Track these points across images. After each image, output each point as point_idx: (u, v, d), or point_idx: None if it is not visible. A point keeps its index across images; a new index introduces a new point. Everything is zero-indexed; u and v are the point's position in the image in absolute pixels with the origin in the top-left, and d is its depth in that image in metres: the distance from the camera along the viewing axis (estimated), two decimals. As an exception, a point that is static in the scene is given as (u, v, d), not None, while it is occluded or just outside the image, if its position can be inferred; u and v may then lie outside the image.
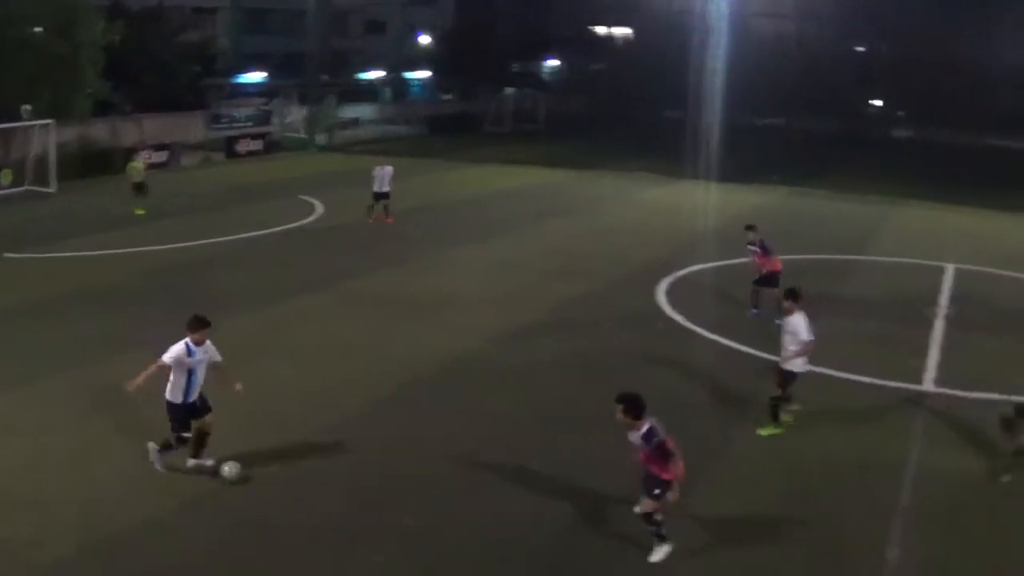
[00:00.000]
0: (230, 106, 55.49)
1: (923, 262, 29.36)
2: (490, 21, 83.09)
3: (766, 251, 22.09)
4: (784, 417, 15.67)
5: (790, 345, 15.32)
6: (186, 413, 12.96)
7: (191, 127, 51.40)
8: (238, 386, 13.32)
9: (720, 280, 25.78)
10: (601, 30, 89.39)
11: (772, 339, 16.88)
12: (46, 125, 37.77)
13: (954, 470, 14.52)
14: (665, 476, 11.24)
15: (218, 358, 13.19)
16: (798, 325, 15.24)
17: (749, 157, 49.01)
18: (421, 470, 13.80)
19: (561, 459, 14.30)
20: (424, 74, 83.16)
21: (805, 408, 15.84)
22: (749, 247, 22.48)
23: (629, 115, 70.79)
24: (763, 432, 15.52)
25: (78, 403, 15.71)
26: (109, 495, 12.71)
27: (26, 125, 38.38)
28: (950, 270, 28.23)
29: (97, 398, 15.79)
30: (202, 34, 63.36)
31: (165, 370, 12.79)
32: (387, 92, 78.88)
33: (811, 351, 15.39)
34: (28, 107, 39.09)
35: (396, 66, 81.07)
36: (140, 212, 32.13)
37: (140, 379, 12.86)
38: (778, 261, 22.09)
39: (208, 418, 13.10)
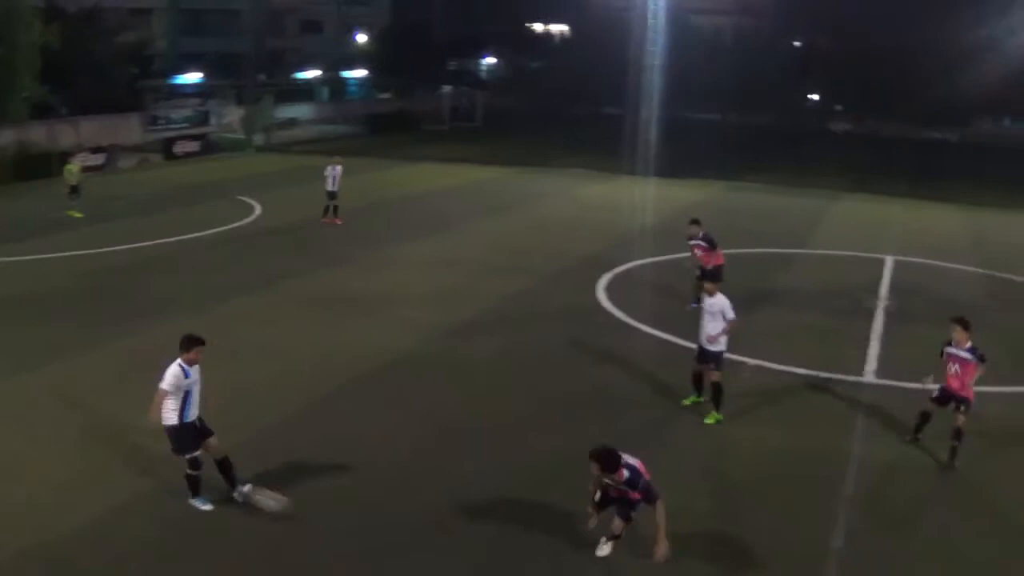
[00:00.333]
0: (167, 107, 55.16)
1: (863, 254, 29.86)
2: (427, 19, 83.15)
3: (711, 245, 22.23)
4: (684, 401, 16.32)
5: (713, 324, 15.62)
6: (191, 432, 12.41)
7: (128, 129, 51.12)
8: None
9: (659, 275, 25.97)
10: (538, 27, 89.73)
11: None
12: (-19, 129, 37.27)
13: (895, 460, 14.75)
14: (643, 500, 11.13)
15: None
16: (725, 304, 15.56)
17: (686, 152, 49.41)
18: (359, 469, 13.75)
19: (499, 457, 14.33)
20: (361, 73, 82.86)
21: (745, 400, 16.14)
22: (690, 241, 22.47)
23: (567, 112, 71.10)
24: (708, 420, 15.77)
25: (11, 410, 15.44)
26: (43, 501, 12.52)
27: (-39, 129, 37.84)
28: (889, 262, 28.72)
29: (32, 405, 15.57)
30: (139, 35, 62.64)
31: (167, 396, 12.21)
32: (324, 91, 78.52)
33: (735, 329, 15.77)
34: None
35: (333, 65, 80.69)
36: (76, 215, 31.71)
37: (154, 413, 12.25)
38: (722, 255, 22.25)
39: (212, 441, 12.62)
